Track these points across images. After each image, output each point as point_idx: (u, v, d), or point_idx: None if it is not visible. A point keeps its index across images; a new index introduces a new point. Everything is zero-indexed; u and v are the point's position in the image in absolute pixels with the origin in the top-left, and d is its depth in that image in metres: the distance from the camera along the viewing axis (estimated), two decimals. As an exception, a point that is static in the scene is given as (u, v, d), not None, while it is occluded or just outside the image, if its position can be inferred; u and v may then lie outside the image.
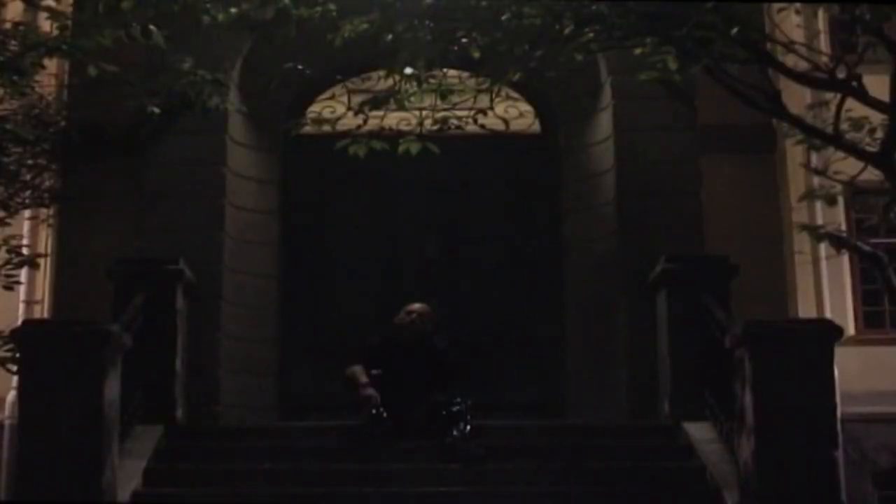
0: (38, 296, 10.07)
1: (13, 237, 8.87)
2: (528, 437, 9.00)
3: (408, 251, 10.99)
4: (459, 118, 8.59)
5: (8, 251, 8.64)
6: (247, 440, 9.02)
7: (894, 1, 7.07)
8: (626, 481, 8.29)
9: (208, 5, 8.40)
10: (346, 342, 10.01)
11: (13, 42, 8.17)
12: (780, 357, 7.55)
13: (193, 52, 9.23)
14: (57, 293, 10.07)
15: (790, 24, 8.73)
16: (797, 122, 7.75)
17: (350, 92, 11.00)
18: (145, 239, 10.09)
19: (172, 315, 9.31)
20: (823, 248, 9.62)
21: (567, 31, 7.50)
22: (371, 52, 8.40)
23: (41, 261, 9.46)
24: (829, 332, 7.74)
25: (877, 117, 7.72)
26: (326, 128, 9.17)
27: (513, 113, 11.21)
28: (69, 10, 8.91)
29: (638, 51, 7.72)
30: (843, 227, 10.01)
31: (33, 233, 9.94)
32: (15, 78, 8.16)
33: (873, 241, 8.38)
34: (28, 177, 9.14)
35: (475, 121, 10.65)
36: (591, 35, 7.57)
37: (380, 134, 8.52)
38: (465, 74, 9.80)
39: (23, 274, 9.00)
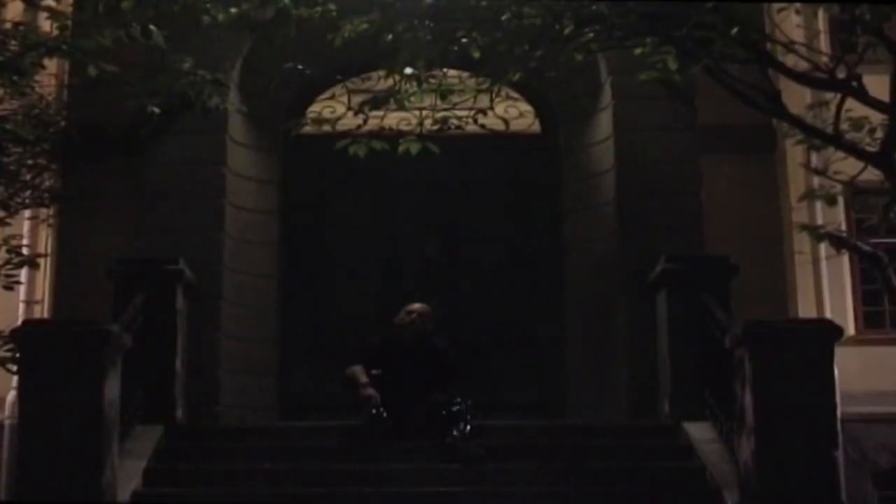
0: (38, 296, 10.07)
1: (13, 237, 8.86)
2: (528, 437, 9.00)
3: (408, 251, 10.99)
4: (459, 118, 8.60)
5: (8, 251, 8.64)
6: (247, 440, 9.02)
7: (894, 1, 7.07)
8: (626, 481, 8.29)
9: (208, 5, 8.40)
10: (346, 342, 10.01)
11: (13, 42, 8.17)
12: (780, 357, 7.55)
13: (193, 52, 9.24)
14: (57, 293, 10.07)
15: (790, 24, 8.73)
16: (797, 122, 7.75)
17: (350, 92, 11.00)
18: (145, 239, 10.09)
19: (172, 315, 9.31)
20: (823, 248, 9.62)
21: (567, 31, 7.50)
22: (371, 52, 8.40)
23: (41, 261, 9.46)
24: (829, 332, 7.74)
25: (877, 117, 7.72)
26: (326, 128, 9.17)
27: (513, 113, 11.21)
28: (69, 10, 8.91)
29: (638, 51, 7.72)
30: (843, 227, 10.01)
31: (33, 233, 9.94)
32: (15, 78, 8.16)
33: (873, 241, 8.37)
34: (28, 177, 9.14)
35: (475, 121, 10.65)
36: (591, 35, 7.57)
37: (380, 134, 8.52)
38: (465, 74, 9.79)
39: (23, 274, 9.00)
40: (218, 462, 8.51)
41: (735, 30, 7.13)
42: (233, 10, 8.46)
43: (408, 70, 8.00)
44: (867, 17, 7.22)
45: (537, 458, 8.52)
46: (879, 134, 7.72)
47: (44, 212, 9.87)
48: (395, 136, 8.51)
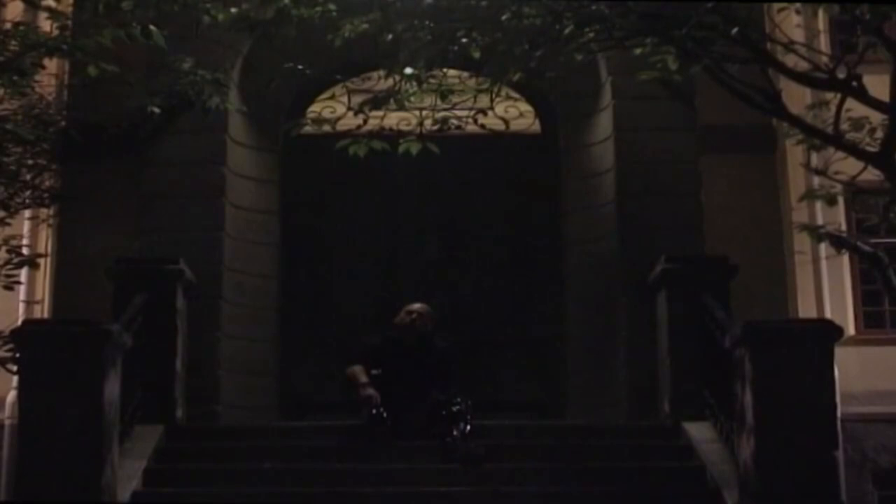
0: (38, 296, 10.07)
1: (13, 237, 8.85)
2: (528, 437, 9.00)
3: (408, 251, 10.98)
4: (459, 118, 8.60)
5: (8, 251, 8.63)
6: (247, 440, 9.02)
7: (894, 1, 7.07)
8: (625, 481, 8.29)
9: (208, 5, 8.40)
10: (346, 342, 10.02)
11: (13, 42, 8.17)
12: (780, 357, 7.55)
13: (193, 52, 9.26)
14: (57, 293, 10.06)
15: (790, 24, 8.74)
16: (797, 122, 7.76)
17: (350, 92, 10.99)
18: (145, 239, 10.09)
19: (172, 315, 9.31)
20: (823, 248, 9.61)
21: (567, 31, 7.51)
22: (371, 52, 8.41)
23: (41, 261, 9.45)
24: (829, 332, 7.73)
25: (877, 117, 7.72)
26: (326, 128, 9.18)
27: (513, 113, 11.20)
28: (69, 10, 8.92)
29: (638, 51, 7.73)
30: (843, 227, 10.00)
31: (33, 233, 9.92)
32: (15, 78, 8.16)
33: (873, 241, 8.37)
34: (28, 177, 9.13)
35: (475, 121, 10.65)
36: (591, 35, 7.59)
37: (380, 134, 8.52)
38: (465, 74, 9.81)
39: (23, 274, 8.98)
40: (218, 462, 8.51)
41: (735, 30, 7.13)
42: (233, 10, 8.46)
43: (408, 70, 8.00)
44: (867, 17, 7.22)
45: (537, 458, 8.52)
46: (879, 134, 7.73)
47: (44, 212, 9.86)
48: (395, 136, 8.53)
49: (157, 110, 9.07)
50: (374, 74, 9.50)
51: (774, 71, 7.69)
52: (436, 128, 8.51)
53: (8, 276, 8.59)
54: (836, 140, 7.64)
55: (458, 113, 8.78)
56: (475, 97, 9.76)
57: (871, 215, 9.16)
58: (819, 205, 9.57)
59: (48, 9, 8.50)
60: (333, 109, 10.98)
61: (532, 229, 11.04)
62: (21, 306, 9.89)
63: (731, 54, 7.45)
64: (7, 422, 9.64)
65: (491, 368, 10.56)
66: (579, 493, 8.02)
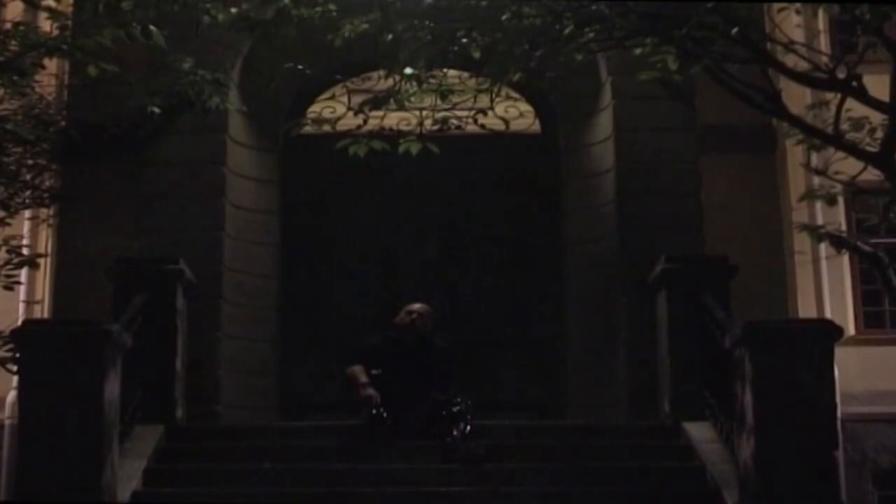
0: (38, 296, 10.07)
1: (13, 237, 8.86)
2: (528, 437, 9.00)
3: (408, 251, 10.99)
4: (459, 118, 8.61)
5: (8, 251, 8.64)
6: (247, 440, 9.02)
7: (894, 1, 7.07)
8: (625, 481, 8.29)
9: (208, 5, 8.40)
10: (346, 342, 10.02)
11: (13, 42, 8.17)
12: (780, 357, 7.55)
13: (193, 52, 9.26)
14: (57, 293, 10.06)
15: (790, 24, 8.74)
16: (797, 122, 7.76)
17: (350, 92, 10.99)
18: (145, 239, 10.09)
19: (172, 315, 9.31)
20: (823, 248, 9.61)
21: (567, 31, 7.51)
22: (371, 52, 8.41)
23: (41, 261, 9.45)
24: (829, 332, 7.73)
25: (877, 117, 7.72)
26: (326, 128, 9.18)
27: (513, 113, 11.20)
28: (69, 10, 8.92)
29: (638, 51, 7.73)
30: (843, 227, 10.00)
31: (33, 233, 9.93)
32: (15, 78, 8.16)
33: (873, 241, 8.37)
34: (28, 177, 9.14)
35: (475, 121, 10.65)
36: (591, 35, 7.58)
37: (380, 134, 8.53)
38: (465, 74, 9.81)
39: (23, 274, 8.99)
40: (218, 462, 8.51)
41: (735, 30, 7.13)
42: (233, 10, 8.47)
43: (408, 70, 8.00)
44: (867, 17, 7.22)
45: (537, 458, 8.52)
46: (879, 134, 7.73)
47: (44, 212, 9.86)
48: (395, 136, 8.53)
49: (157, 110, 9.07)
50: (374, 74, 9.50)
51: (774, 71, 7.70)
52: (436, 128, 8.51)
53: (8, 276, 8.59)
54: (836, 140, 7.64)
55: (458, 113, 8.78)
56: (475, 97, 9.76)
57: (871, 215, 9.16)
58: (819, 205, 9.57)
59: (48, 9, 8.50)
60: (333, 109, 10.98)
61: (532, 229, 11.04)
62: (21, 306, 9.89)
63: (731, 54, 7.45)
64: (7, 422, 9.64)
65: (491, 368, 10.56)
66: (579, 493, 8.02)
